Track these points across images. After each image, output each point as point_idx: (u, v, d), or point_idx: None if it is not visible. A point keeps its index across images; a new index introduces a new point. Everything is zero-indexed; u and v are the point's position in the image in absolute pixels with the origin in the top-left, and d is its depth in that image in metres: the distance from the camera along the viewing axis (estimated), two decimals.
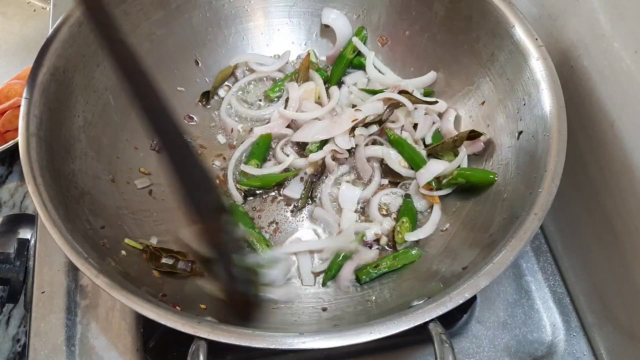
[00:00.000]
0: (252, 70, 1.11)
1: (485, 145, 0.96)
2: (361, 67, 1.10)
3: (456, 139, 0.95)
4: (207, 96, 1.08)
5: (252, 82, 1.11)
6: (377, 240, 0.93)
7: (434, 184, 0.95)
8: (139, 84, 0.67)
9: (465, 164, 0.97)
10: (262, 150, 1.00)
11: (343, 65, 1.09)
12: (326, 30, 1.11)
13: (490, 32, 0.93)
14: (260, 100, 1.09)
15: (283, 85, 1.08)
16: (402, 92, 1.06)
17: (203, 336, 0.63)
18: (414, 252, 0.89)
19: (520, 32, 0.88)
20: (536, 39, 0.87)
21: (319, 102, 1.05)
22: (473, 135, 0.95)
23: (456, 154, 0.97)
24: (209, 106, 1.08)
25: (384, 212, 0.96)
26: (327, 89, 1.07)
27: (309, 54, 1.10)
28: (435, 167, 0.94)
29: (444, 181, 0.94)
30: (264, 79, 1.11)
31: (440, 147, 0.98)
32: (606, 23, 0.83)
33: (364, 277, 0.87)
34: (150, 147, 0.99)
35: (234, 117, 1.07)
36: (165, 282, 0.82)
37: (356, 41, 1.08)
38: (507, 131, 0.91)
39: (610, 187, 0.86)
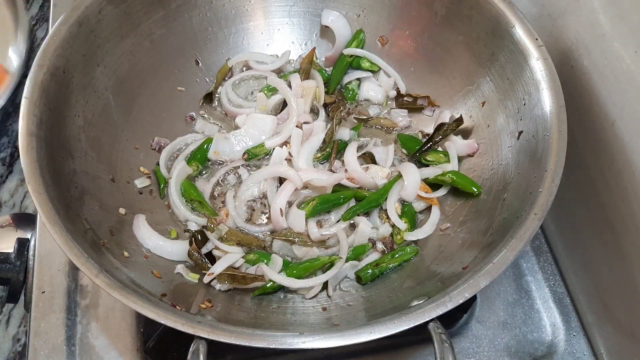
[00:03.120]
0: (248, 67, 1.10)
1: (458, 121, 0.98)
2: (360, 68, 1.10)
3: (446, 129, 0.97)
4: (209, 97, 1.07)
5: (249, 79, 1.10)
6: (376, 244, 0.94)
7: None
8: None
9: (455, 164, 0.97)
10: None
11: (342, 67, 1.09)
12: (326, 31, 1.11)
13: (490, 32, 0.93)
14: (251, 93, 1.09)
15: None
16: (399, 95, 1.08)
17: (203, 336, 0.63)
18: (409, 249, 0.90)
19: (520, 32, 0.88)
20: (536, 39, 0.87)
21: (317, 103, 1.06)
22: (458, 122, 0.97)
23: (446, 155, 0.97)
24: (214, 104, 1.08)
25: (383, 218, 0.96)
26: (326, 92, 1.07)
27: (314, 49, 1.09)
28: (414, 179, 0.94)
29: (430, 178, 0.96)
30: (260, 77, 1.10)
31: (429, 147, 0.99)
32: (606, 23, 0.83)
33: (364, 276, 0.87)
34: (150, 147, 0.99)
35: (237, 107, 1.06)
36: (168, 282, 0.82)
37: (350, 51, 1.08)
38: (507, 131, 0.91)
39: (611, 187, 0.86)
